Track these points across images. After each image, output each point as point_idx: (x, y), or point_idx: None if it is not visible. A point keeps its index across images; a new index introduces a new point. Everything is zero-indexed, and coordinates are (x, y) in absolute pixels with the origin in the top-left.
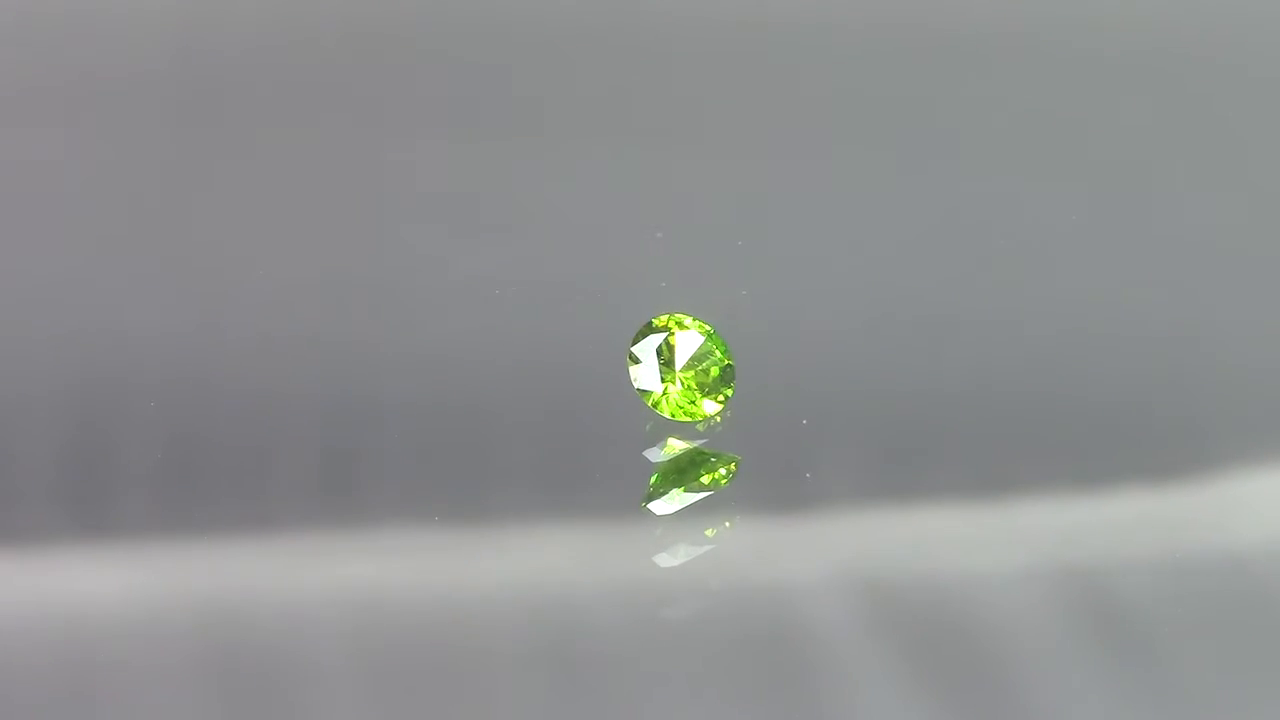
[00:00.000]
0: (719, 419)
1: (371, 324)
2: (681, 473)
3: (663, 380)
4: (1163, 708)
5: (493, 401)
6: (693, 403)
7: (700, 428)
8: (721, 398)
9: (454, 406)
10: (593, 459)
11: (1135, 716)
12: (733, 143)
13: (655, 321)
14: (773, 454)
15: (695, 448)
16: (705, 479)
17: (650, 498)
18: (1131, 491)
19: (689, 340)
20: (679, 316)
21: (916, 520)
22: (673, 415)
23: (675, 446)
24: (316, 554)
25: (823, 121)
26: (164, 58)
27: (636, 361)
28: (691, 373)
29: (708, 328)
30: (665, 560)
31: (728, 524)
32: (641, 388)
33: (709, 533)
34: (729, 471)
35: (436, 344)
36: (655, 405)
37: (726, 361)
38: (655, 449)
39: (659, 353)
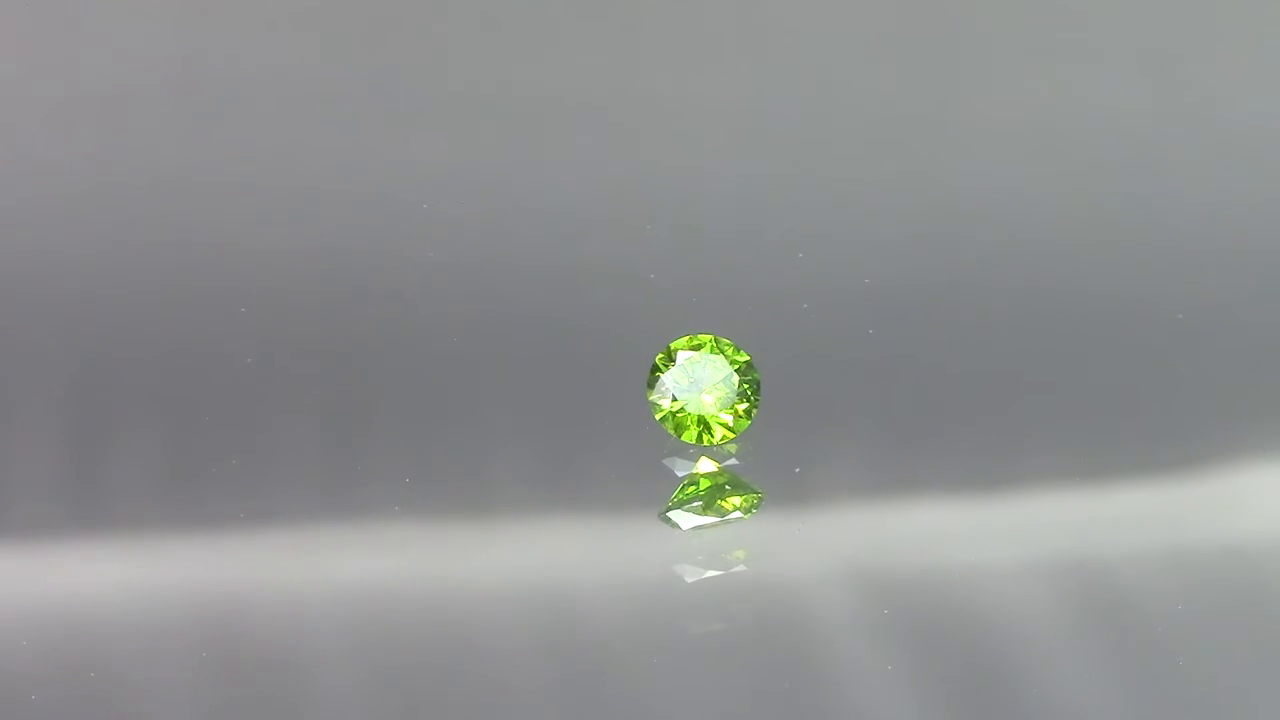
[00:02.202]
0: (729, 446)
1: (370, 319)
2: (705, 493)
3: (682, 398)
4: (1165, 700)
5: (496, 396)
6: (706, 428)
7: (724, 447)
8: (734, 424)
9: (456, 399)
10: (597, 454)
11: (1137, 708)
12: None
13: (690, 340)
14: (774, 449)
15: (723, 470)
16: (727, 505)
17: (669, 510)
18: (1133, 485)
19: (718, 365)
20: (723, 341)
21: (918, 514)
22: (679, 432)
23: (704, 466)
24: (316, 548)
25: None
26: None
27: (660, 375)
28: (713, 398)
29: (745, 356)
30: (685, 573)
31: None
32: (658, 402)
33: (738, 554)
34: (752, 503)
35: (439, 337)
36: (665, 420)
37: (753, 395)
38: (684, 464)
39: (686, 371)
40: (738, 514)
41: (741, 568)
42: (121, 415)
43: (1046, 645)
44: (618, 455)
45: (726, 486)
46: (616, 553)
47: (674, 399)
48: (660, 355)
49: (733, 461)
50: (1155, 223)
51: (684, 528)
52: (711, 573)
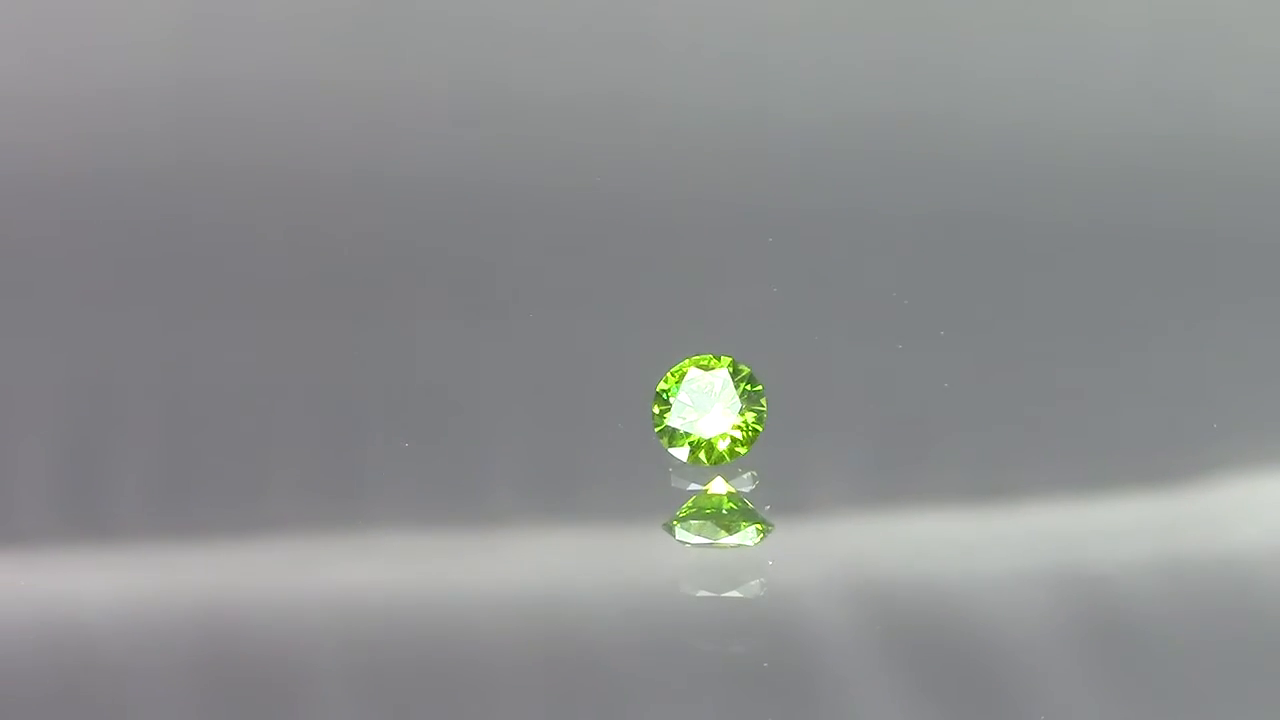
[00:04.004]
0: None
1: (368, 322)
2: (713, 515)
3: (683, 418)
4: (1161, 710)
5: (494, 406)
6: (705, 450)
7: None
8: (728, 450)
9: (455, 409)
10: (593, 462)
11: (1133, 717)
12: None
13: (704, 361)
14: (771, 458)
15: (736, 496)
16: (733, 529)
17: (674, 525)
18: (1130, 495)
19: (724, 392)
20: (741, 368)
21: (915, 524)
22: (672, 446)
23: (716, 487)
24: (312, 557)
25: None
26: None
27: (665, 392)
28: (713, 424)
29: (759, 386)
30: (696, 590)
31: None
32: (659, 416)
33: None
34: (760, 533)
35: (438, 343)
36: (662, 433)
37: (755, 426)
38: (696, 483)
39: (691, 393)
40: (742, 541)
41: (737, 594)
42: (118, 422)
43: (1041, 655)
44: (618, 463)
45: (735, 512)
46: (616, 562)
47: (674, 417)
48: (673, 371)
49: (743, 487)
50: (1152, 232)
51: (686, 544)
52: (709, 592)
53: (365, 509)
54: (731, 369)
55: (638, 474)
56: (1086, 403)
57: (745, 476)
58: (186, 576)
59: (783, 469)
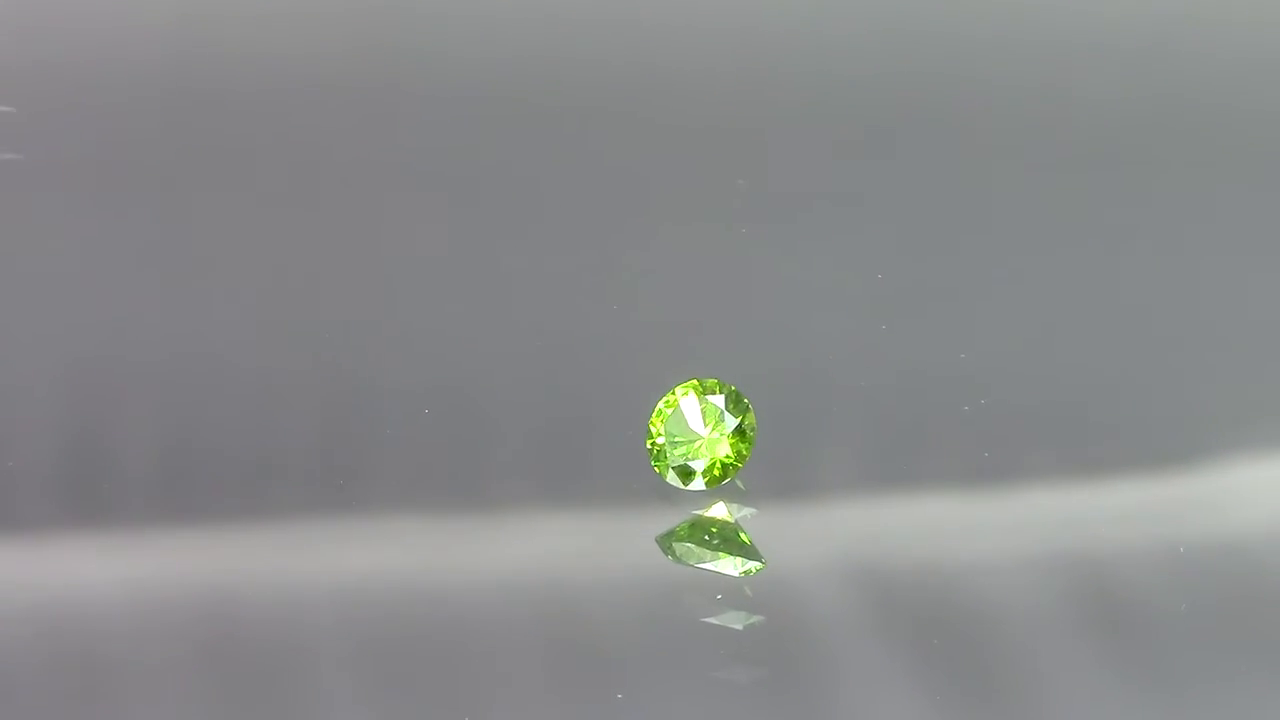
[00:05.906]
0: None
1: (372, 311)
2: (708, 539)
3: (674, 439)
4: (1161, 691)
5: (493, 390)
6: (689, 475)
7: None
8: (708, 482)
9: (454, 394)
10: (592, 449)
11: (1134, 700)
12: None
13: (700, 385)
14: (773, 442)
15: (734, 524)
16: (725, 557)
17: (668, 540)
18: (1130, 479)
19: (715, 423)
20: (742, 401)
21: (917, 508)
22: (657, 464)
23: (716, 510)
24: (313, 542)
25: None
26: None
27: (662, 409)
28: (699, 452)
29: (752, 420)
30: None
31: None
32: (653, 431)
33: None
34: (751, 569)
35: (437, 331)
36: (651, 450)
37: (738, 459)
38: (700, 504)
39: (683, 418)
40: (728, 570)
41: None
42: (121, 409)
43: (1042, 636)
44: (617, 450)
45: (731, 541)
46: (614, 548)
47: (667, 438)
48: (673, 391)
49: (744, 515)
50: (1152, 221)
51: (677, 560)
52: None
53: (367, 493)
54: (732, 399)
55: (638, 459)
56: (1088, 386)
57: (736, 506)
58: (188, 561)
59: (785, 452)
